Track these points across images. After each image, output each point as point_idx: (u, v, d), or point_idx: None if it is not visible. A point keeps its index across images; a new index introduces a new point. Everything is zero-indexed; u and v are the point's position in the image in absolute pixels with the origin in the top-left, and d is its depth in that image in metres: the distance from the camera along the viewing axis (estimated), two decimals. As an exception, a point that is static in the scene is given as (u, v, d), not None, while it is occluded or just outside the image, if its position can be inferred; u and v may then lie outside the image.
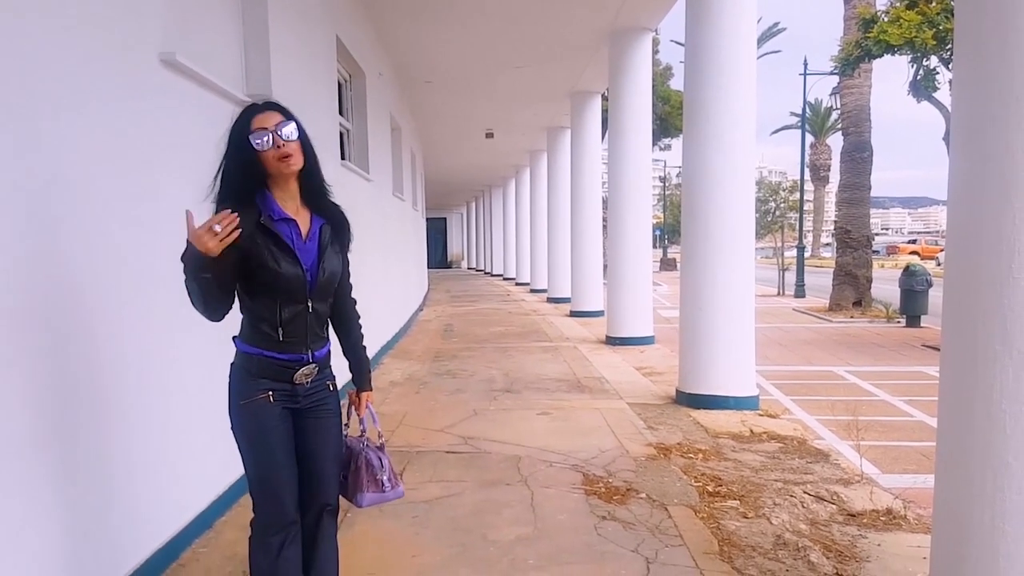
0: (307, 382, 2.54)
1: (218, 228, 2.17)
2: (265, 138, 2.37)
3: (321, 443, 2.63)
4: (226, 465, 4.42)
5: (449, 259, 50.37)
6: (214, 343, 4.26)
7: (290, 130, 2.41)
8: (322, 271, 2.51)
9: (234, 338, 2.56)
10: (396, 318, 12.33)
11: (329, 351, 2.68)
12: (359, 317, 2.84)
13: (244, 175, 2.41)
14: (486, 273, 38.66)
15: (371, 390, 2.84)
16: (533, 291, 23.62)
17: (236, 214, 2.21)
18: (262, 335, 2.48)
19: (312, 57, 6.65)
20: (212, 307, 2.33)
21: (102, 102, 3.16)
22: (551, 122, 18.40)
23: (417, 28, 10.70)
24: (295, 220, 2.50)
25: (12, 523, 2.55)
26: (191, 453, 3.98)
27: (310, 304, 2.49)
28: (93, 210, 3.10)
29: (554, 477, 5.06)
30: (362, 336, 2.84)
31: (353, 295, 2.82)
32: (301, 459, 2.61)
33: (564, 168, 17.78)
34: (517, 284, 28.11)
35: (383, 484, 2.71)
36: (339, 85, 8.65)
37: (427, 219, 25.97)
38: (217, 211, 2.35)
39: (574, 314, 15.77)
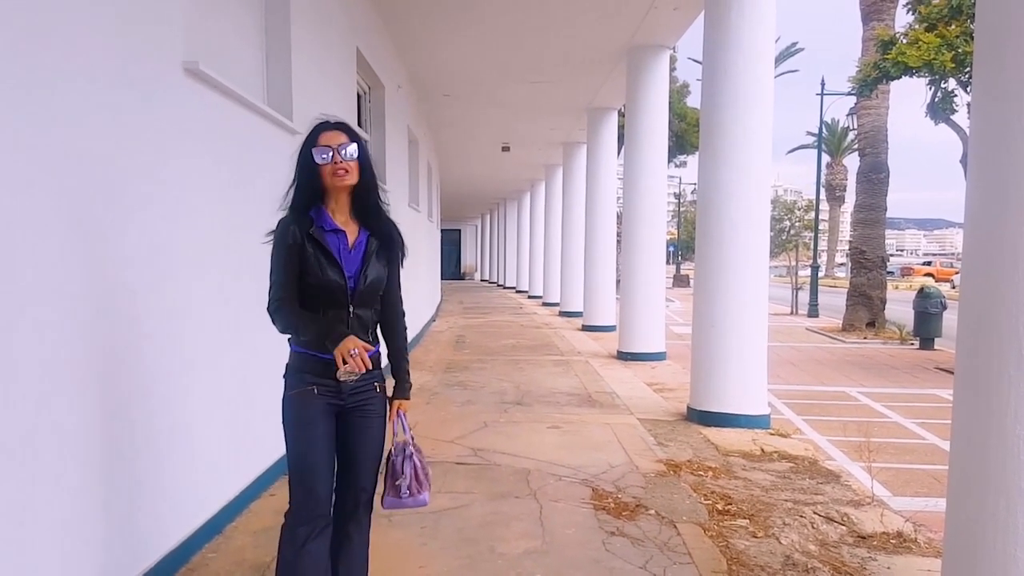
0: (350, 380, 2.64)
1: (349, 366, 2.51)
2: (326, 155, 2.62)
3: (362, 441, 2.75)
4: (238, 471, 4.45)
5: (463, 271, 50.45)
6: (234, 353, 4.32)
7: (352, 150, 2.65)
8: (363, 279, 2.67)
9: (288, 339, 2.72)
10: (409, 328, 12.34)
11: (377, 354, 2.80)
12: (405, 328, 2.98)
13: (307, 186, 2.66)
14: (499, 285, 38.67)
15: (406, 399, 2.90)
16: (546, 304, 23.62)
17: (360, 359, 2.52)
18: None
19: (333, 69, 6.72)
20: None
21: (124, 109, 3.21)
22: (567, 137, 18.45)
23: (436, 42, 10.78)
24: (344, 231, 2.69)
25: (23, 525, 2.57)
26: (203, 458, 4.00)
27: (351, 309, 2.66)
28: (111, 213, 3.14)
29: (563, 491, 5.05)
30: (405, 347, 2.96)
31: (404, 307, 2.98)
32: (341, 454, 2.74)
33: (579, 183, 17.82)
34: (530, 297, 28.12)
35: (400, 490, 2.79)
36: (358, 97, 8.72)
37: (441, 230, 26.04)
38: (284, 219, 2.66)
39: (586, 328, 15.76)
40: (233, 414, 4.35)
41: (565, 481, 5.28)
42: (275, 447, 5.02)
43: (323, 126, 2.69)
